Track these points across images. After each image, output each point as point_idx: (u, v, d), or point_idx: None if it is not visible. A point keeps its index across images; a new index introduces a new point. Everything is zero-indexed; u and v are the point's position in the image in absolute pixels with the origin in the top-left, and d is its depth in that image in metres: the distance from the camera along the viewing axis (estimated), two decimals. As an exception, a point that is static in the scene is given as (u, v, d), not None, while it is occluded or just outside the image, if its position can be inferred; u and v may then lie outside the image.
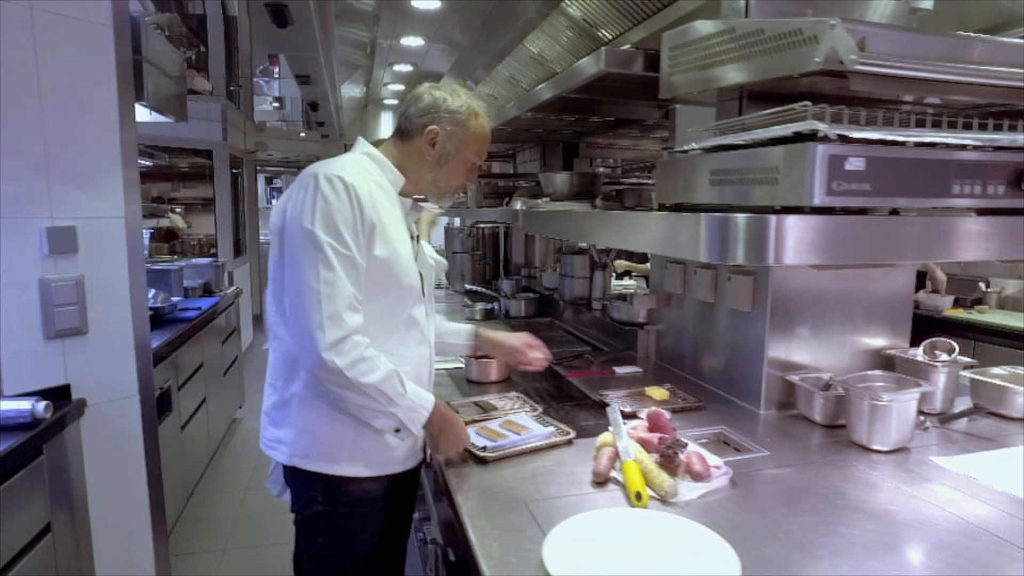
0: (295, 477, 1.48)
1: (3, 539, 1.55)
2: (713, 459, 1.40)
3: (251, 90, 7.32)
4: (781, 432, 1.70)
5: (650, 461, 1.34)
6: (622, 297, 2.72)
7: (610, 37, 2.51)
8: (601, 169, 3.78)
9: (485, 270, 4.54)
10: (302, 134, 6.94)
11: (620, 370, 2.26)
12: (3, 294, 1.79)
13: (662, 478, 1.28)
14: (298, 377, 1.42)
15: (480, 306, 3.45)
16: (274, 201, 11.74)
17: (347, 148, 1.95)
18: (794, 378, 1.79)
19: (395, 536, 1.70)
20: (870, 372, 1.74)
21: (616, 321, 2.63)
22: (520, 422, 1.62)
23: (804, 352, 1.87)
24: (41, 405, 1.72)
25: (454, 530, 1.34)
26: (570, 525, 1.11)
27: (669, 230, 1.25)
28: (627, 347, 2.54)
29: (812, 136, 1.07)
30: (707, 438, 1.66)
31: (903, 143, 1.09)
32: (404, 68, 4.89)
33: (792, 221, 1.08)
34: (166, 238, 7.65)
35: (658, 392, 1.88)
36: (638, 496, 1.24)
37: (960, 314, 3.73)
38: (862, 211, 1.16)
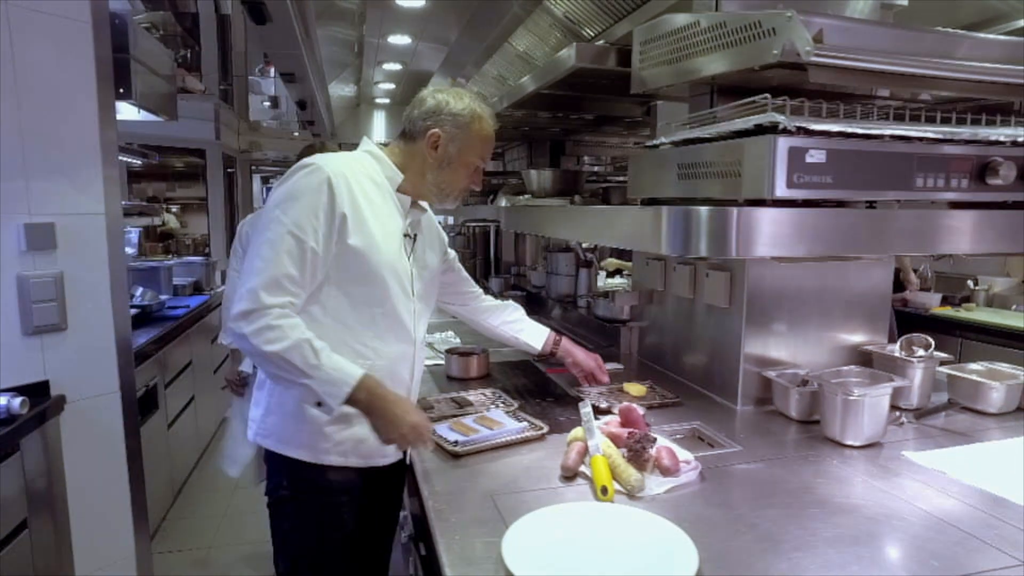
0: (268, 459, 1.51)
1: (-24, 535, 1.55)
2: (684, 454, 1.40)
3: (246, 89, 7.32)
4: (756, 428, 1.70)
5: (618, 456, 1.34)
6: (606, 294, 2.72)
7: (592, 35, 2.51)
8: (595, 167, 3.78)
9: (476, 269, 4.54)
10: (295, 133, 6.94)
11: (611, 366, 2.26)
12: (-20, 290, 1.79)
13: (629, 472, 1.28)
14: None
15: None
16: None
17: (340, 147, 1.96)
18: (771, 374, 1.79)
19: (376, 532, 1.70)
20: (845, 367, 1.74)
21: (600, 318, 2.63)
22: (494, 417, 1.62)
23: (782, 348, 1.87)
24: (17, 401, 1.72)
25: (424, 525, 1.34)
26: (531, 519, 1.11)
27: (635, 224, 1.25)
28: (610, 344, 2.54)
29: (773, 128, 1.07)
30: (682, 433, 1.67)
31: (865, 136, 1.09)
32: (394, 67, 4.89)
33: (754, 213, 1.09)
34: (160, 237, 7.65)
35: (636, 388, 1.88)
36: (604, 490, 1.24)
37: (948, 312, 3.73)
38: (840, 204, 1.17)
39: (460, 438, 1.50)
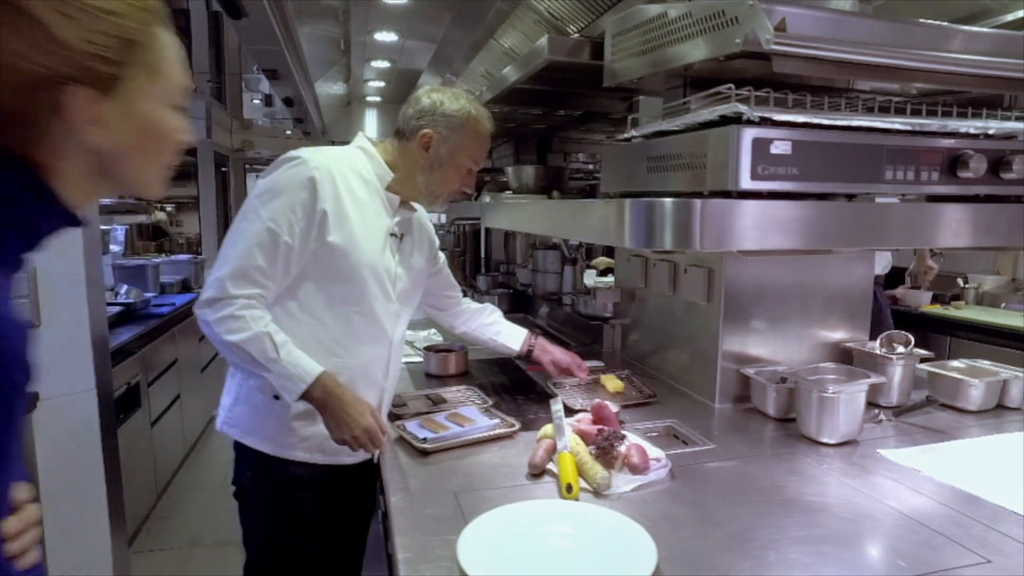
0: (234, 449, 1.51)
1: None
2: (654, 451, 1.38)
3: (240, 87, 7.29)
4: (733, 426, 1.68)
5: (586, 453, 1.32)
6: (588, 292, 2.70)
7: (576, 31, 2.50)
8: (589, 164, 3.76)
9: (465, 267, 4.52)
10: (288, 132, 6.92)
11: (591, 364, 2.24)
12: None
13: (596, 470, 1.26)
14: None
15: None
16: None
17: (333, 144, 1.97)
18: (749, 371, 1.77)
19: (347, 529, 1.68)
20: (822, 364, 1.73)
21: (583, 316, 2.61)
22: (466, 415, 1.60)
23: (761, 345, 1.85)
24: (-15, 398, 1.69)
25: (387, 522, 1.32)
26: (489, 517, 1.10)
27: (599, 217, 1.23)
28: (593, 342, 2.52)
29: (737, 119, 1.05)
30: (657, 431, 1.65)
31: (830, 127, 1.07)
32: (383, 64, 4.87)
33: (717, 205, 1.07)
34: (152, 235, 7.62)
35: (612, 382, 1.86)
36: (569, 488, 1.22)
37: (937, 310, 3.72)
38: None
39: (429, 435, 1.48)
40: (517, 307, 3.45)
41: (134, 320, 3.29)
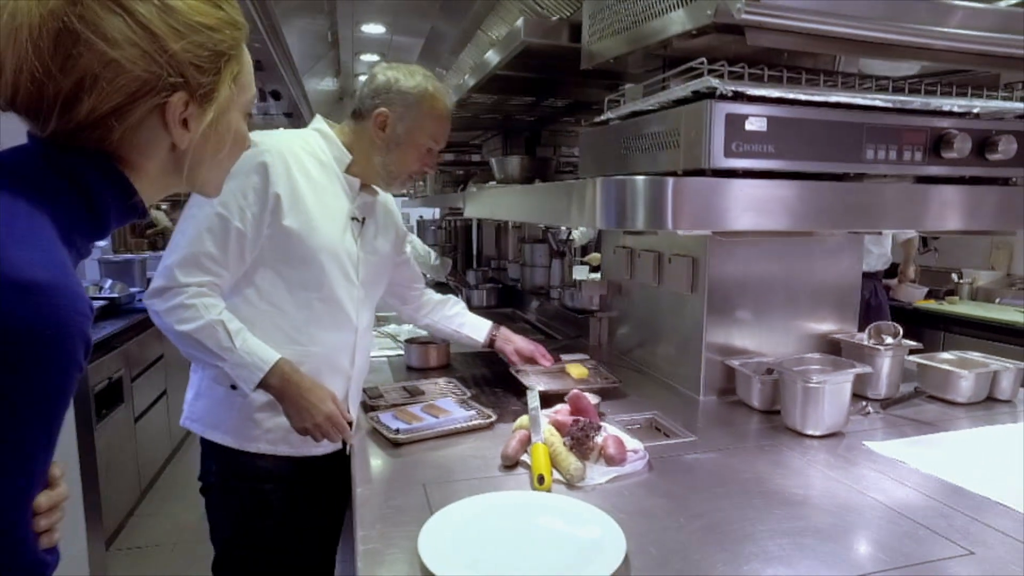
0: (201, 444, 1.48)
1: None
2: (632, 443, 1.34)
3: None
4: (717, 418, 1.64)
5: (560, 444, 1.28)
6: (574, 284, 2.66)
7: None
8: (577, 157, 3.72)
9: (457, 262, 4.48)
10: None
11: (567, 357, 2.19)
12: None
13: (569, 461, 1.22)
14: None
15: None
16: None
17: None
18: (734, 363, 1.73)
19: (319, 522, 1.63)
20: (808, 355, 1.69)
21: (569, 309, 2.58)
22: (442, 406, 1.56)
23: (746, 337, 1.81)
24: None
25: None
26: (454, 509, 1.06)
27: (571, 198, 1.19)
28: (580, 335, 2.48)
29: (710, 95, 1.01)
30: (638, 423, 1.61)
31: (807, 103, 1.03)
32: (372, 58, 4.83)
33: (690, 183, 1.03)
34: (144, 232, 7.57)
35: (577, 369, 1.81)
36: (541, 479, 1.18)
37: (931, 305, 3.68)
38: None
39: (402, 426, 1.44)
40: (506, 302, 3.41)
41: (118, 315, 3.25)
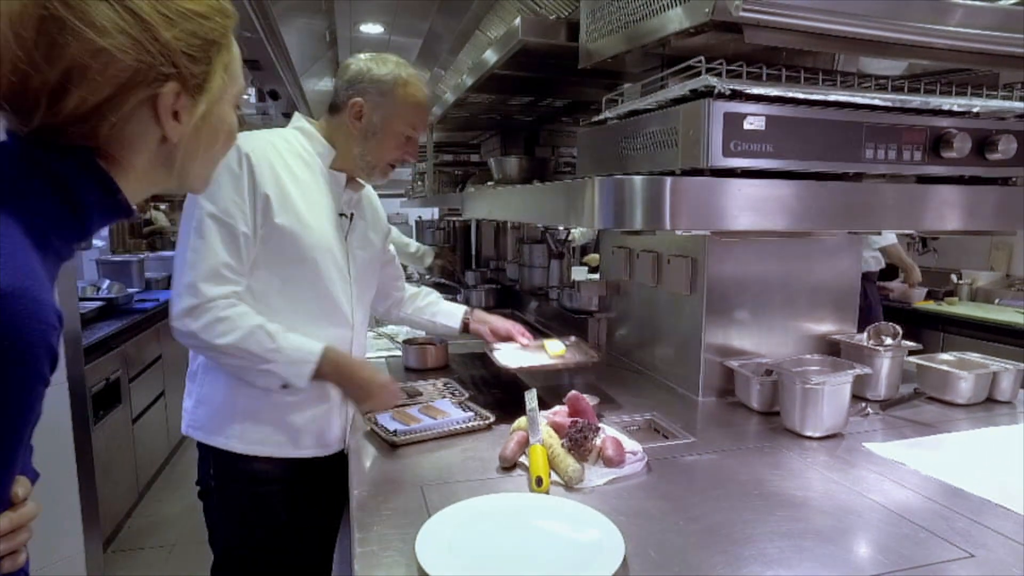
0: (198, 449, 1.48)
1: None
2: (631, 444, 1.33)
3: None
4: (716, 419, 1.64)
5: (558, 446, 1.27)
6: (572, 285, 2.65)
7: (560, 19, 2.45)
8: (575, 157, 3.71)
9: (456, 263, 4.47)
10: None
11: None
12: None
13: (567, 463, 1.22)
14: None
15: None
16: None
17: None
18: (733, 364, 1.72)
19: (318, 524, 1.63)
20: (807, 356, 1.68)
21: (567, 309, 2.56)
22: (440, 407, 1.55)
23: (745, 338, 1.80)
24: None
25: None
26: (453, 511, 1.05)
27: (567, 198, 1.19)
28: (578, 335, 2.47)
29: (709, 93, 1.00)
30: (637, 424, 1.60)
31: (806, 101, 1.03)
32: (371, 58, 4.82)
33: (688, 183, 1.02)
34: (142, 232, 7.56)
35: (554, 346, 1.80)
36: (539, 481, 1.17)
37: (931, 306, 3.67)
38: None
39: (400, 427, 1.43)
40: (504, 302, 3.40)
41: (116, 315, 3.24)
